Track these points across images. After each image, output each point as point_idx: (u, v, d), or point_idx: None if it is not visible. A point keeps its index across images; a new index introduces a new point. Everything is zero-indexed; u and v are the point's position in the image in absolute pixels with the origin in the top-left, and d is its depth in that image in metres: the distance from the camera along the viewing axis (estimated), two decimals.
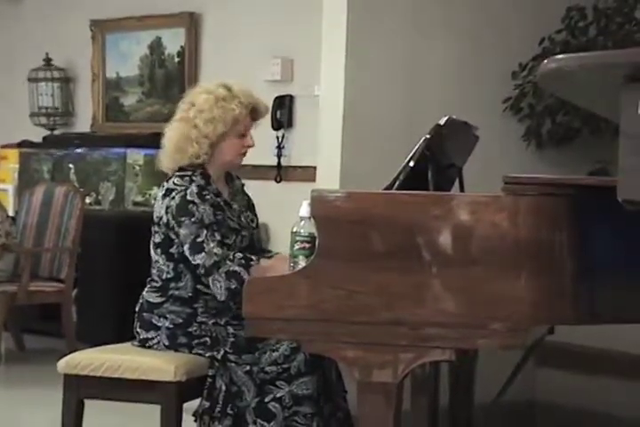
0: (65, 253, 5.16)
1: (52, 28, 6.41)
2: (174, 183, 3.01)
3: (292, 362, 2.91)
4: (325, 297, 2.32)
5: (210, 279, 2.90)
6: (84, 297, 5.43)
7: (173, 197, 2.98)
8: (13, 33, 6.66)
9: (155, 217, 3.04)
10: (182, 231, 2.95)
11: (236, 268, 2.87)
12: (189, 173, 3.03)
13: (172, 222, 2.97)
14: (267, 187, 5.13)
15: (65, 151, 5.98)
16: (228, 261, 2.89)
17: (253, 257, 2.94)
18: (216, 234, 2.94)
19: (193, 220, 2.94)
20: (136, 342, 3.10)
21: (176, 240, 2.99)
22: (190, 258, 2.94)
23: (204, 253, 2.90)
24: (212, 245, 2.91)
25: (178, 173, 3.04)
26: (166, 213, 2.99)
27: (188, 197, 2.97)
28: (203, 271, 2.91)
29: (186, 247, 2.94)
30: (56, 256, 5.21)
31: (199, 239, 2.92)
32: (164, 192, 3.02)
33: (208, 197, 3.00)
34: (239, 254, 2.93)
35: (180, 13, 5.85)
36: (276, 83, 5.31)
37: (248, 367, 2.95)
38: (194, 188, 2.99)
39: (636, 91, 1.83)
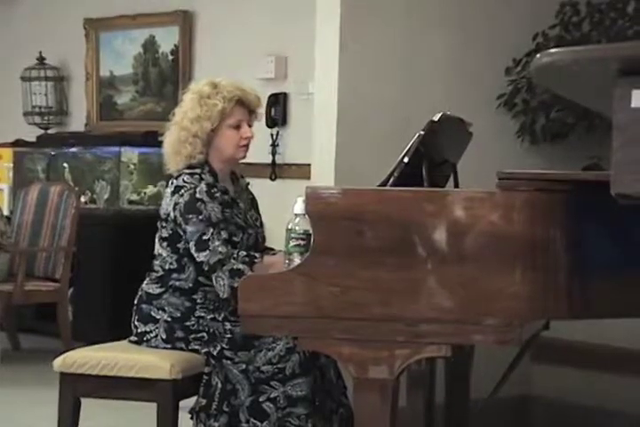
0: (60, 252, 5.16)
1: (46, 27, 6.40)
2: (184, 181, 3.02)
3: (287, 362, 2.92)
4: (320, 294, 2.31)
5: (213, 277, 2.92)
6: (79, 296, 5.43)
7: (182, 195, 2.99)
8: (6, 32, 6.65)
9: (162, 213, 3.06)
10: (189, 229, 2.96)
11: (240, 266, 2.89)
12: (198, 170, 3.05)
13: (180, 219, 2.98)
14: (261, 184, 5.11)
15: (59, 150, 5.98)
16: (232, 260, 2.90)
17: (257, 255, 2.95)
18: (222, 232, 2.96)
19: (200, 218, 2.95)
20: (133, 338, 3.10)
21: (184, 236, 3.01)
22: (195, 255, 2.96)
23: (208, 251, 2.92)
24: (217, 243, 2.92)
25: (187, 171, 3.05)
26: (174, 209, 3.00)
27: (197, 195, 2.98)
28: (207, 268, 2.94)
29: (191, 244, 2.96)
30: (51, 255, 5.21)
31: (205, 237, 2.93)
32: (173, 189, 3.03)
33: (217, 195, 3.02)
34: (243, 252, 2.94)
35: (174, 12, 5.85)
36: (270, 81, 5.30)
37: (243, 366, 2.96)
38: (203, 186, 3.00)
39: (629, 84, 1.83)
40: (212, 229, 2.95)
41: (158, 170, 3.35)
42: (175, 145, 3.11)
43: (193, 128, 3.06)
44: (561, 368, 4.09)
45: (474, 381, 3.35)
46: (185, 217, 2.97)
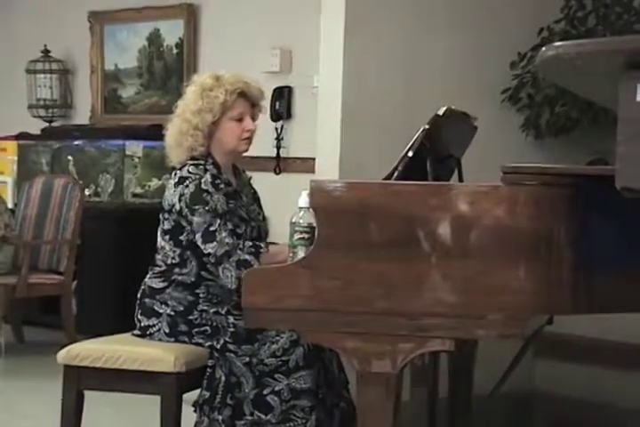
0: (64, 245, 5.16)
1: (51, 20, 6.40)
2: (189, 171, 3.02)
3: (291, 355, 2.92)
4: (324, 287, 2.31)
5: (220, 268, 2.91)
6: (83, 289, 5.43)
7: (187, 186, 2.99)
8: (12, 24, 6.65)
9: (166, 204, 3.06)
10: (196, 220, 2.96)
11: (247, 256, 2.88)
12: (202, 162, 3.05)
13: (186, 210, 2.98)
14: (266, 178, 5.12)
15: (64, 143, 5.98)
16: (238, 250, 2.90)
17: (262, 244, 2.95)
18: (228, 223, 2.96)
19: (207, 208, 2.95)
20: (136, 331, 3.10)
21: (187, 228, 3.01)
22: (202, 247, 2.95)
23: (215, 243, 2.92)
24: (223, 234, 2.92)
25: (191, 162, 3.05)
26: (179, 200, 3.00)
27: (203, 186, 2.98)
28: (213, 260, 2.93)
29: (198, 236, 2.95)
30: (55, 248, 5.21)
31: (212, 228, 2.93)
32: (177, 180, 3.03)
33: (222, 186, 3.02)
34: (249, 243, 2.94)
35: (179, 5, 5.85)
36: (274, 74, 5.30)
37: (247, 359, 2.96)
38: (208, 177, 3.00)
39: (635, 78, 1.82)
40: (218, 220, 2.95)
41: (162, 163, 3.35)
42: (177, 137, 3.11)
43: (194, 120, 3.07)
44: (564, 363, 4.10)
45: (477, 375, 3.35)
46: (191, 208, 2.97)
